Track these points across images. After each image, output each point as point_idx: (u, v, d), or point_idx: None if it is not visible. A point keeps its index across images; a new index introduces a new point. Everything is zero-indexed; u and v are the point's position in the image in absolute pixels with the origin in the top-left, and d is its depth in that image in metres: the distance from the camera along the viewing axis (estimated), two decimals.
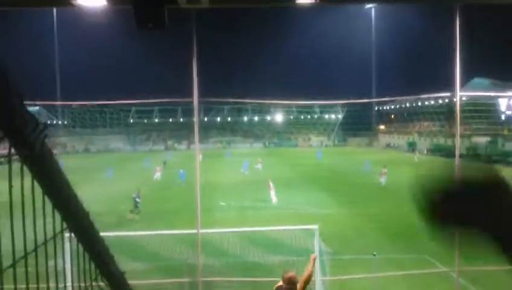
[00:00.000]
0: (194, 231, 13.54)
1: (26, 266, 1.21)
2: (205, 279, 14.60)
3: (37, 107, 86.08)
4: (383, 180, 41.60)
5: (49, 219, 1.47)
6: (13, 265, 1.15)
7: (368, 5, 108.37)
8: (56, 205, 1.45)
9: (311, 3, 9.91)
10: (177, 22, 11.78)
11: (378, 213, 29.46)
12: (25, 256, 1.19)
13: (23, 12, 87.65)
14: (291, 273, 7.53)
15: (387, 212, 29.30)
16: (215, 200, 34.01)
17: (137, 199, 29.70)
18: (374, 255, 16.45)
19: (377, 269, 16.12)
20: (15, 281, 1.13)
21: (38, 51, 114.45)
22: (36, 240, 1.26)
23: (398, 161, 61.73)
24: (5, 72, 1.06)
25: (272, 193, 33.42)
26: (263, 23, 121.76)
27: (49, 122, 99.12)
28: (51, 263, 1.53)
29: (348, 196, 35.78)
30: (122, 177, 49.02)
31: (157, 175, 46.07)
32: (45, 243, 1.35)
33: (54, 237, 1.42)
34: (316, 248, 16.10)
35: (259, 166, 54.17)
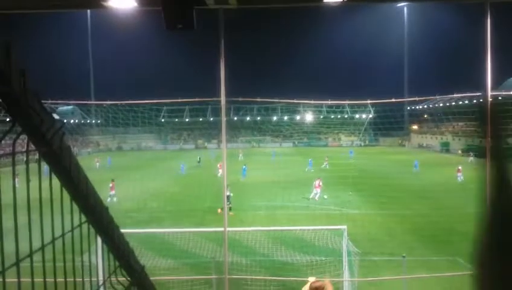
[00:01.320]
0: (221, 228, 13.63)
1: (43, 257, 1.26)
2: (232, 276, 14.68)
3: (71, 106, 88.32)
4: (460, 176, 41.62)
5: (75, 216, 1.55)
6: (30, 255, 1.21)
7: (400, 4, 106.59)
8: (74, 199, 1.51)
9: (339, 2, 9.85)
10: (205, 22, 11.90)
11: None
12: (42, 248, 1.25)
13: (58, 15, 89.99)
14: (319, 283, 7.42)
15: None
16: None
17: (229, 195, 29.95)
18: (404, 256, 16.20)
19: (408, 271, 15.88)
20: (32, 272, 1.19)
21: (73, 52, 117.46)
22: (53, 233, 1.32)
23: (434, 162, 60.56)
24: (23, 72, 1.12)
25: (318, 190, 34.22)
26: (293, 21, 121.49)
27: (83, 121, 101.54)
28: (72, 256, 1.59)
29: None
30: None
31: (219, 172, 45.62)
32: (62, 235, 1.41)
33: (72, 229, 1.49)
34: (344, 249, 16.00)
35: (326, 164, 54.77)
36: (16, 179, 1.19)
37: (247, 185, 41.61)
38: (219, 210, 29.11)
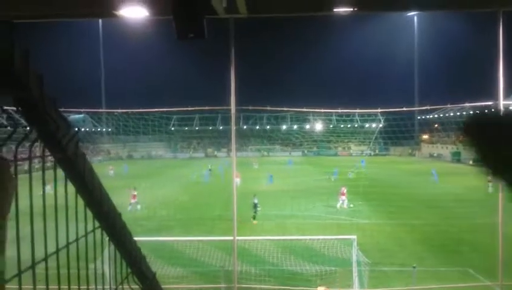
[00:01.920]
0: (231, 237, 13.61)
1: (57, 261, 1.28)
2: (241, 285, 14.64)
3: (82, 115, 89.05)
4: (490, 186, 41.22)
5: (89, 221, 1.56)
6: (45, 259, 1.22)
7: (410, 13, 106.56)
8: (88, 205, 1.53)
9: (349, 11, 9.88)
10: (216, 31, 11.99)
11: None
12: (57, 251, 1.26)
13: (70, 23, 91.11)
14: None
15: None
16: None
17: (257, 203, 30.82)
18: (414, 267, 16.06)
19: (420, 281, 15.73)
20: (46, 274, 1.20)
21: (85, 60, 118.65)
22: (68, 237, 1.34)
23: (447, 171, 60.10)
24: (41, 79, 1.14)
25: (344, 198, 34.49)
26: (303, 30, 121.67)
27: (93, 129, 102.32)
28: (85, 262, 1.61)
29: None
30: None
31: (237, 181, 45.70)
32: (76, 240, 1.43)
33: (86, 235, 1.50)
34: (354, 259, 15.91)
35: (351, 175, 54.67)
36: (48, 186, 1.19)
37: (273, 193, 41.78)
38: (255, 222, 29.29)
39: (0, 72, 0.99)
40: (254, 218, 29.96)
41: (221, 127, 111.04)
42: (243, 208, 32.13)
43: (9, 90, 1.05)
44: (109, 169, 60.61)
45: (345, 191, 34.81)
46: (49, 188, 1.09)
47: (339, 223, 28.54)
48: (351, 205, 34.28)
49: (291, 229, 26.74)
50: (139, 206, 33.53)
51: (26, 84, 1.08)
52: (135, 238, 1.99)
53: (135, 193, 34.11)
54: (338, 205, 34.01)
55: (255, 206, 30.57)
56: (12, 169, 1.04)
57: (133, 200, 33.58)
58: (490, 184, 40.90)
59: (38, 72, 1.15)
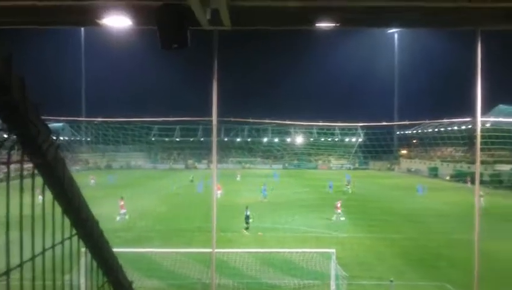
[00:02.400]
0: (209, 249, 13.51)
1: (33, 267, 1.26)
2: None
3: (61, 123, 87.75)
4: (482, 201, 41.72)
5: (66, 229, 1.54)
6: (21, 265, 1.21)
7: (391, 30, 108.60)
8: (66, 212, 1.51)
9: (331, 26, 10.02)
10: (199, 40, 12.01)
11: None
12: (33, 258, 1.25)
13: (52, 30, 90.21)
14: None
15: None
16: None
17: (249, 215, 30.85)
18: (391, 281, 16.16)
19: None
20: (21, 280, 1.18)
21: (66, 68, 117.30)
22: (44, 245, 1.32)
23: (424, 186, 60.95)
24: (23, 82, 1.13)
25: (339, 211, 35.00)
26: (287, 44, 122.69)
27: (72, 138, 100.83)
28: (62, 269, 1.58)
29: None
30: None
31: (218, 193, 45.18)
32: (53, 246, 1.41)
33: (62, 241, 1.48)
34: (333, 272, 15.94)
35: (348, 188, 55.04)
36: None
37: (266, 205, 41.99)
38: (260, 233, 29.30)
39: None
40: (246, 229, 29.98)
41: (202, 139, 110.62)
42: (233, 219, 32.22)
43: None
44: (90, 179, 59.77)
45: (339, 205, 35.26)
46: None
47: (334, 236, 28.74)
48: (341, 219, 34.47)
49: (286, 242, 26.72)
50: (127, 217, 33.30)
51: (8, 87, 1.07)
52: (114, 250, 1.97)
53: (122, 203, 33.86)
54: (334, 218, 34.43)
55: (247, 218, 30.57)
56: None
57: (122, 211, 33.41)
58: (482, 199, 41.51)
59: (21, 76, 1.15)
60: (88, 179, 58.28)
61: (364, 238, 28.84)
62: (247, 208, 31.33)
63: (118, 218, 32.42)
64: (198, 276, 17.46)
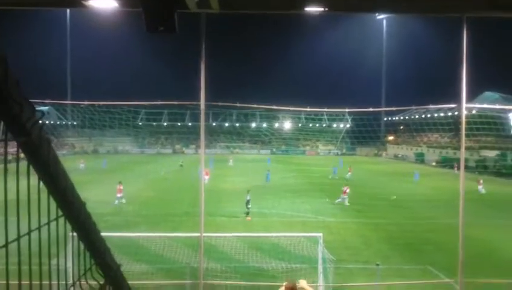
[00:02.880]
0: (198, 234, 13.54)
1: (18, 248, 1.24)
2: (207, 282, 14.58)
3: (47, 107, 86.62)
4: (481, 188, 42.37)
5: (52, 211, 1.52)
6: (5, 245, 1.19)
7: (380, 16, 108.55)
8: (52, 193, 1.48)
9: (320, 11, 9.96)
10: (187, 26, 11.87)
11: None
12: (18, 238, 1.23)
13: (37, 12, 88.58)
14: (292, 283, 7.70)
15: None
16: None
17: (249, 200, 30.75)
18: (378, 264, 16.38)
19: (381, 279, 16.04)
20: (6, 259, 1.16)
21: (51, 50, 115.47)
22: (30, 226, 1.29)
23: (410, 172, 61.44)
24: (4, 59, 1.10)
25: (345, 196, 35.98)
26: (276, 29, 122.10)
27: (58, 122, 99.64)
28: (48, 251, 1.56)
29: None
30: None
31: (206, 178, 45.21)
32: (39, 227, 1.39)
33: (48, 222, 1.46)
34: (320, 255, 16.09)
35: (349, 175, 54.02)
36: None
37: (268, 190, 42.37)
38: (248, 218, 29.45)
39: None
40: (247, 215, 30.03)
41: (190, 124, 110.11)
42: (235, 205, 32.34)
43: None
44: (79, 163, 59.33)
45: (347, 190, 36.30)
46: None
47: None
48: (347, 204, 35.47)
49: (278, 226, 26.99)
50: (124, 200, 33.83)
51: None
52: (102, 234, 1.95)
53: (121, 187, 34.29)
54: (336, 201, 35.83)
55: (248, 203, 30.56)
56: None
57: (119, 195, 33.94)
58: (481, 186, 42.08)
59: (2, 53, 1.11)
60: (77, 164, 57.88)
61: (352, 223, 29.22)
62: (248, 192, 31.25)
63: (116, 202, 33.26)
64: (187, 260, 17.51)
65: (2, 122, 1.18)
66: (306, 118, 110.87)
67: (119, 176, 46.54)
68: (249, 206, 30.51)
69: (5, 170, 1.17)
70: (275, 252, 18.91)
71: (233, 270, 17.49)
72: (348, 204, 35.19)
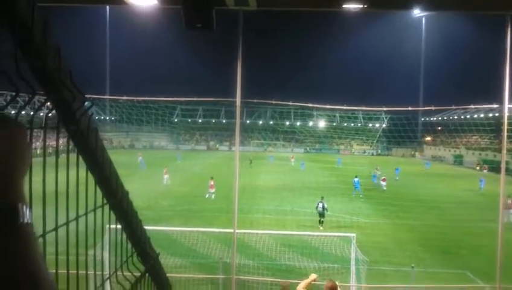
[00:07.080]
0: (231, 230, 13.63)
1: (67, 231, 1.28)
2: (239, 277, 14.67)
3: (88, 102, 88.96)
4: None
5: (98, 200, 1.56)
6: (55, 229, 1.23)
7: (419, 14, 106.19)
8: (98, 182, 1.53)
9: (358, 8, 9.83)
10: (225, 23, 11.95)
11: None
12: (67, 223, 1.27)
13: (77, 9, 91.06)
14: (331, 283, 7.79)
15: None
16: None
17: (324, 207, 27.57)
18: (412, 267, 16.09)
19: (416, 282, 15.76)
20: (56, 245, 1.21)
21: (91, 47, 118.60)
22: (78, 212, 1.34)
23: (452, 174, 59.96)
24: (58, 48, 1.14)
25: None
26: (312, 26, 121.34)
27: (96, 117, 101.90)
28: (93, 238, 1.61)
29: None
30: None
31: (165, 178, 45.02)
32: (85, 213, 1.43)
33: (95, 209, 1.51)
34: (353, 256, 15.92)
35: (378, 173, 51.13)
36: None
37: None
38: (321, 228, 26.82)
39: (20, 39, 0.99)
40: (321, 223, 27.26)
41: (224, 121, 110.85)
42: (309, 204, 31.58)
43: (28, 58, 1.06)
44: (138, 156, 60.49)
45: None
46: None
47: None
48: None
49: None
50: (213, 196, 35.31)
51: (44, 54, 1.08)
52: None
53: (212, 183, 35.98)
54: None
55: (324, 210, 27.39)
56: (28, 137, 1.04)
57: (211, 190, 35.83)
58: None
59: (56, 43, 1.15)
60: (134, 158, 59.39)
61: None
62: (322, 198, 28.17)
63: (206, 195, 35.57)
64: (220, 255, 17.65)
65: (54, 111, 1.23)
66: (341, 116, 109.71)
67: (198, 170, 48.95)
68: (325, 212, 27.38)
69: (57, 156, 1.22)
70: (307, 251, 18.85)
71: (265, 267, 17.55)
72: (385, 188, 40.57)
